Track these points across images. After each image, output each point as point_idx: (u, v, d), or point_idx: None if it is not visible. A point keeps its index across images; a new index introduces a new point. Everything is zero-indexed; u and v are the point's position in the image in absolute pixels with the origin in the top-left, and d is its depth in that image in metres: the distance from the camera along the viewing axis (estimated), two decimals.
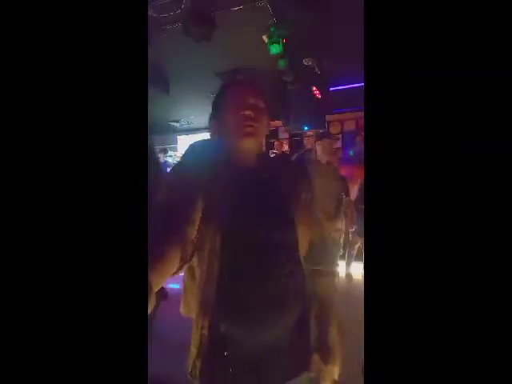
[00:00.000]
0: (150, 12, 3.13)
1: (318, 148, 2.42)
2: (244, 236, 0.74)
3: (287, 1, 3.26)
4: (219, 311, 0.74)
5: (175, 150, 7.33)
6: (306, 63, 4.30)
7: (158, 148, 6.18)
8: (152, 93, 4.29)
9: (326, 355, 0.79)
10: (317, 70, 4.43)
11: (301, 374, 0.80)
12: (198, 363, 0.76)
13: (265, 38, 3.52)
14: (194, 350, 0.78)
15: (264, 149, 0.89)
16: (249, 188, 0.79)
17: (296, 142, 6.55)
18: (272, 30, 3.40)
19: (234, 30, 3.54)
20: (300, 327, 0.80)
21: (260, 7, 3.26)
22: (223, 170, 0.78)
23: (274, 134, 6.79)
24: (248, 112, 0.78)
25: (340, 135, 6.27)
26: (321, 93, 4.71)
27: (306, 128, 5.28)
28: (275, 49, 3.44)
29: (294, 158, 4.66)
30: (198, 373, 0.76)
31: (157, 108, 5.08)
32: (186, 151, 0.82)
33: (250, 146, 0.81)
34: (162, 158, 5.82)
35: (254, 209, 0.77)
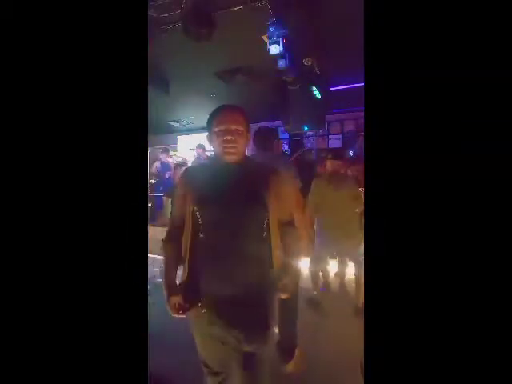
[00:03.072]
0: (150, 12, 3.13)
1: (328, 165, 2.75)
2: (223, 209, 1.03)
3: (287, 1, 3.26)
4: (197, 261, 1.06)
5: (175, 149, 7.32)
6: (305, 63, 4.28)
7: (159, 148, 6.20)
8: (152, 93, 4.29)
9: (282, 272, 1.05)
10: (317, 70, 4.43)
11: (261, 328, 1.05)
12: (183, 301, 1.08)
13: (265, 38, 3.52)
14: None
15: (245, 152, 1.17)
16: (231, 180, 1.07)
17: (296, 141, 6.54)
18: (272, 30, 3.40)
19: (233, 29, 3.54)
20: (260, 286, 1.04)
21: (260, 7, 3.25)
22: (212, 167, 1.13)
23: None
24: (230, 137, 1.05)
25: (340, 135, 6.28)
26: (321, 93, 4.70)
27: (305, 128, 5.27)
28: (275, 49, 3.44)
29: (293, 157, 4.66)
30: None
31: (157, 108, 5.08)
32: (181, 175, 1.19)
33: (232, 159, 1.09)
34: (164, 158, 5.83)
35: (233, 193, 1.05)
